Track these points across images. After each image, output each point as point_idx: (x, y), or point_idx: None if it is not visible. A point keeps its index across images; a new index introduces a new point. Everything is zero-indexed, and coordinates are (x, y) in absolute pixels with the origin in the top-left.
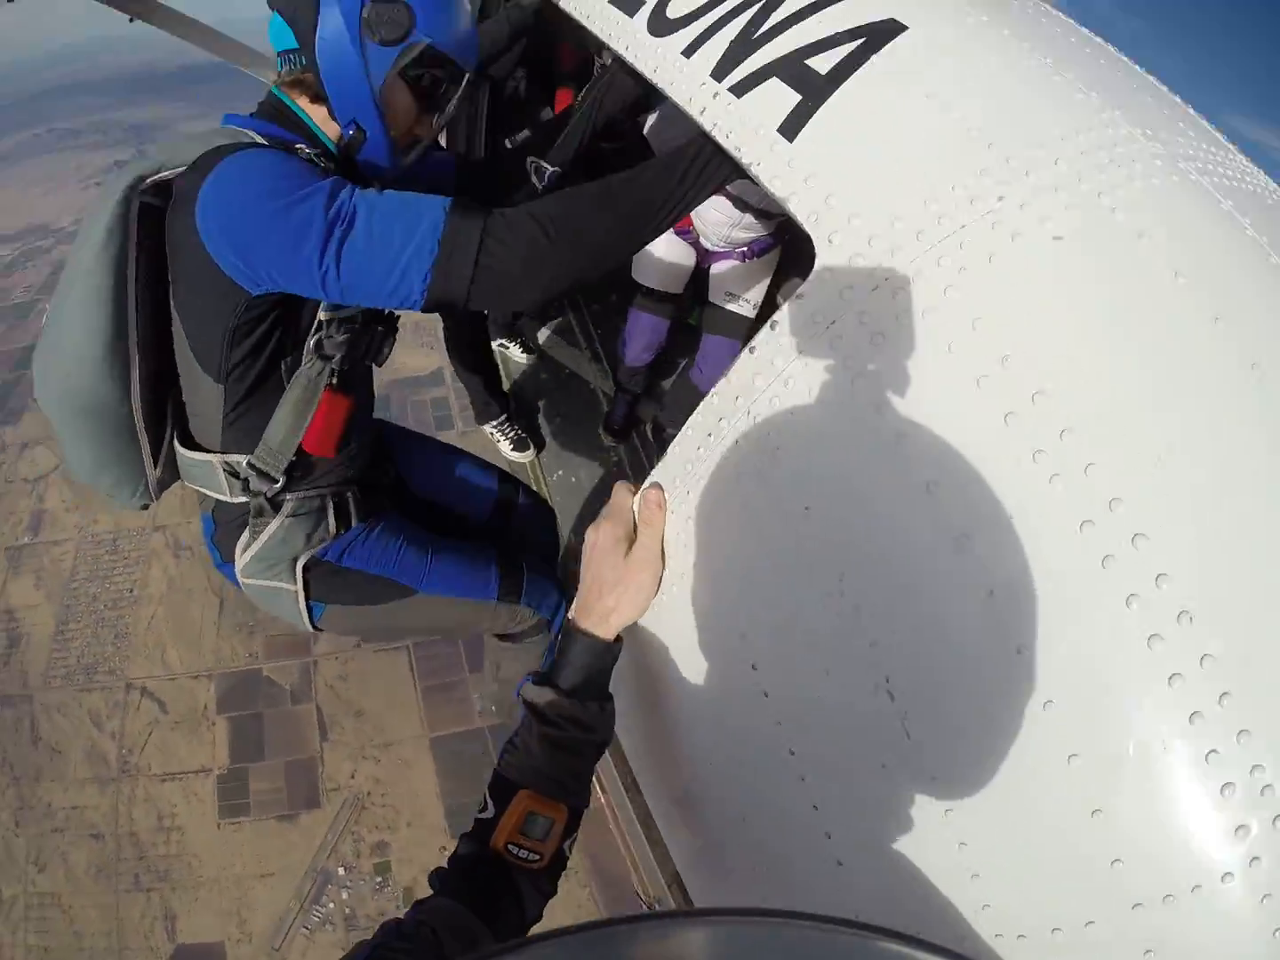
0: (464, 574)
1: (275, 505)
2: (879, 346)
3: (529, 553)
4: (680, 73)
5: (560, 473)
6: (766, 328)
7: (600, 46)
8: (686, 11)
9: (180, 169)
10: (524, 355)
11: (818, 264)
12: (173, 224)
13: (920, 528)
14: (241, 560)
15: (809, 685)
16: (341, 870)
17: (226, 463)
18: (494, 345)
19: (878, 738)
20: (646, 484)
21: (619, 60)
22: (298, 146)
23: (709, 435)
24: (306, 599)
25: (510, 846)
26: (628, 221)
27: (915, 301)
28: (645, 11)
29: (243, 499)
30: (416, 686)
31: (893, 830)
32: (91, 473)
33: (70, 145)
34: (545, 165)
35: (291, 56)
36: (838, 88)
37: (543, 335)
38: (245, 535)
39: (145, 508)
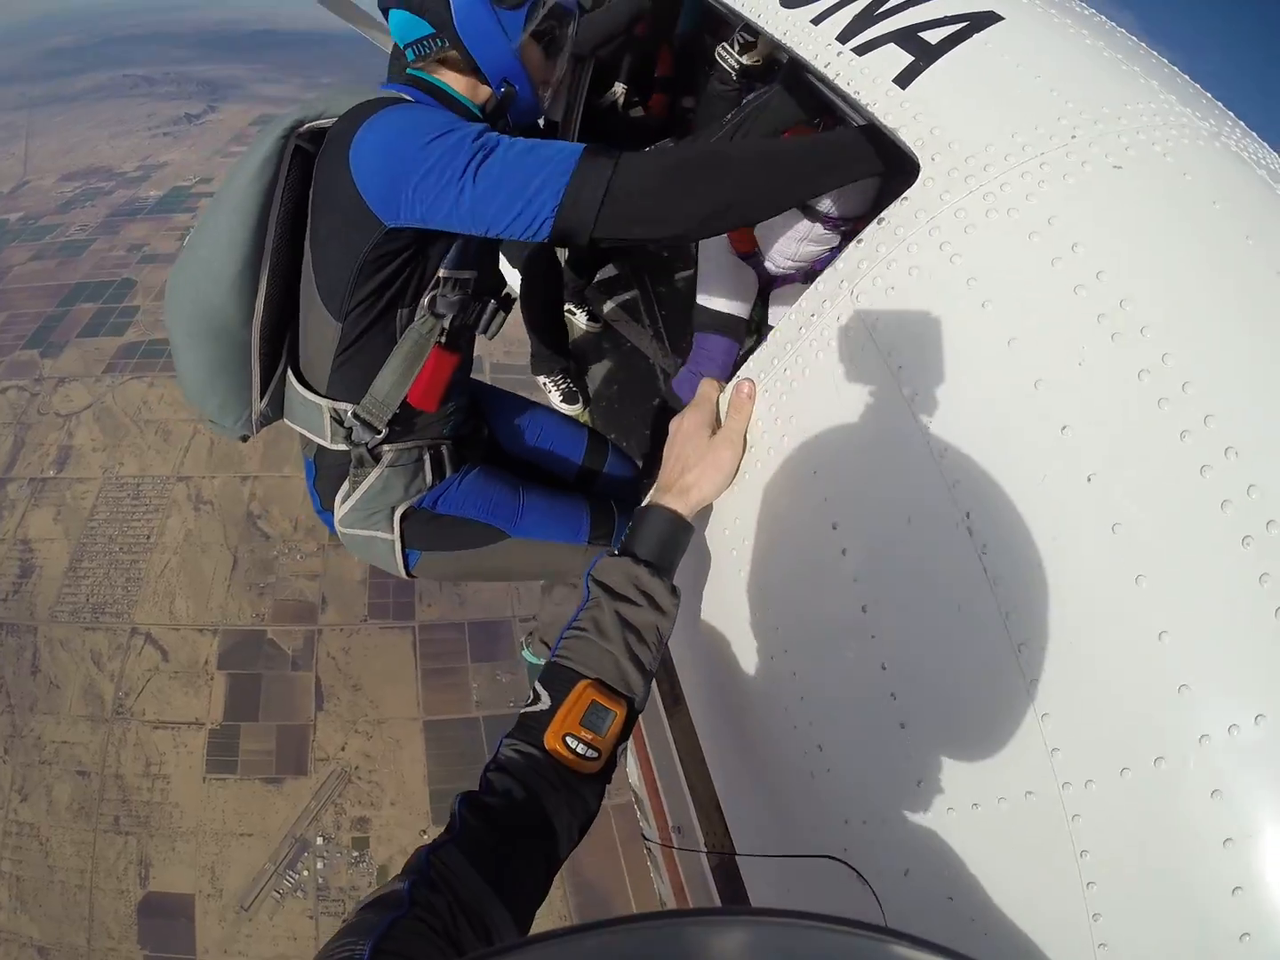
0: (556, 518)
1: (375, 456)
2: (972, 236)
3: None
4: (809, 36)
5: (612, 436)
6: (874, 223)
7: (707, 56)
8: None
9: (335, 119)
10: (588, 323)
11: (921, 175)
12: (322, 165)
13: (1004, 375)
14: (341, 510)
15: (889, 532)
16: (320, 840)
17: (334, 409)
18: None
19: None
20: (741, 371)
21: (783, 83)
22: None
23: (812, 316)
24: (402, 547)
25: (568, 739)
26: (765, 179)
27: (1002, 203)
28: None
29: (343, 447)
30: (417, 668)
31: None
32: (200, 393)
33: (143, 93)
34: None
35: (426, 42)
36: (945, 54)
37: (608, 307)
38: (345, 485)
39: (244, 439)
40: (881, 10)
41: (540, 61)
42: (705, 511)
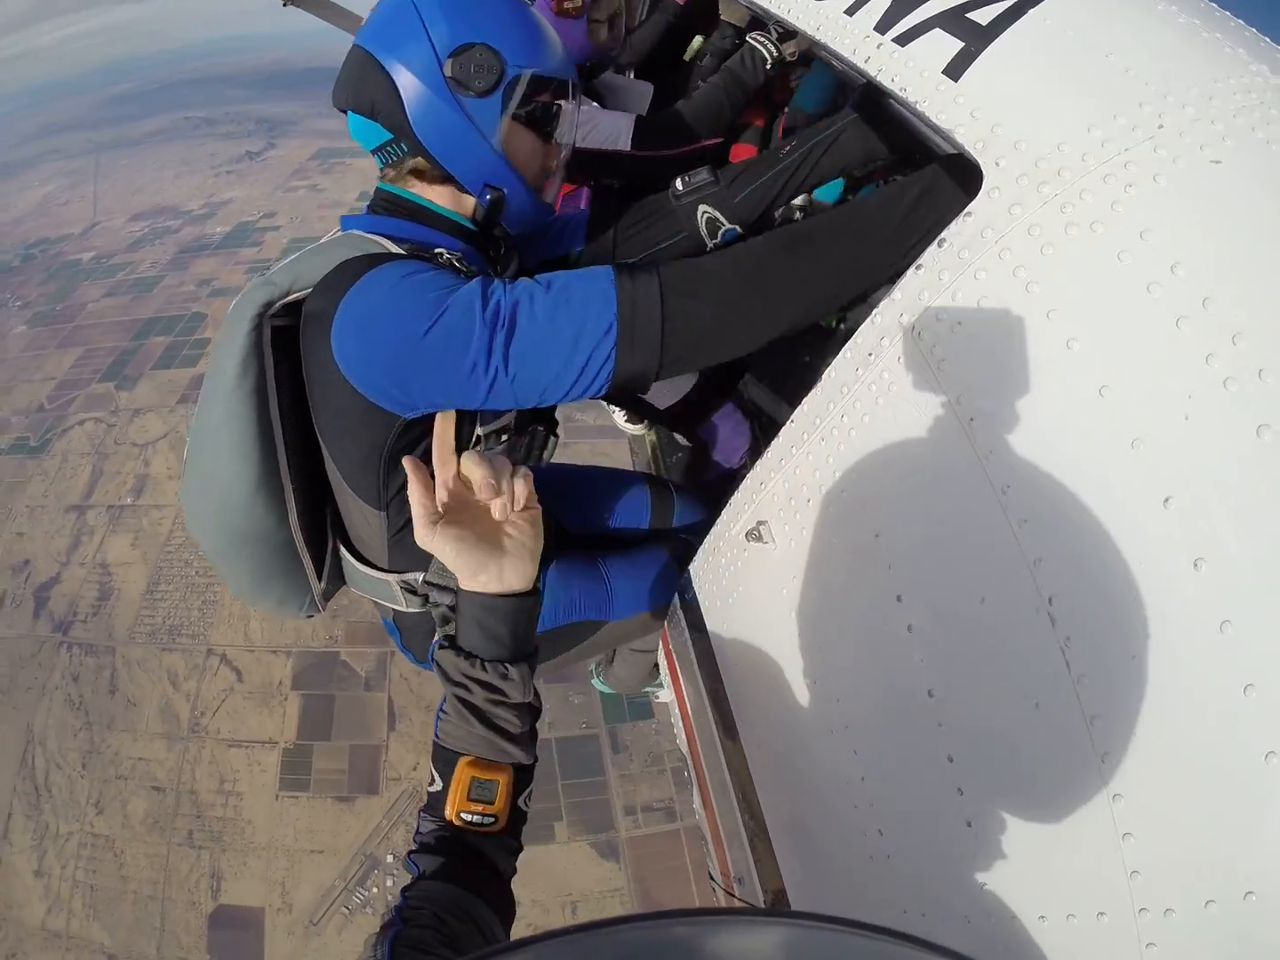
0: (645, 589)
1: (456, 609)
2: (1050, 258)
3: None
4: (843, 29)
5: (678, 456)
6: (934, 245)
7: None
8: None
9: (308, 290)
10: None
11: (985, 184)
12: (308, 349)
13: (1094, 429)
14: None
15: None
16: (390, 858)
17: (403, 580)
18: None
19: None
20: (795, 416)
21: (850, 116)
22: (437, 251)
23: (869, 355)
24: None
25: (462, 815)
26: (834, 266)
27: (1084, 215)
28: None
29: (421, 610)
30: None
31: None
32: (253, 595)
33: (205, 133)
34: (722, 220)
35: (390, 149)
36: (999, 35)
37: None
38: (435, 641)
39: (311, 616)
40: None
41: (533, 148)
42: (761, 563)
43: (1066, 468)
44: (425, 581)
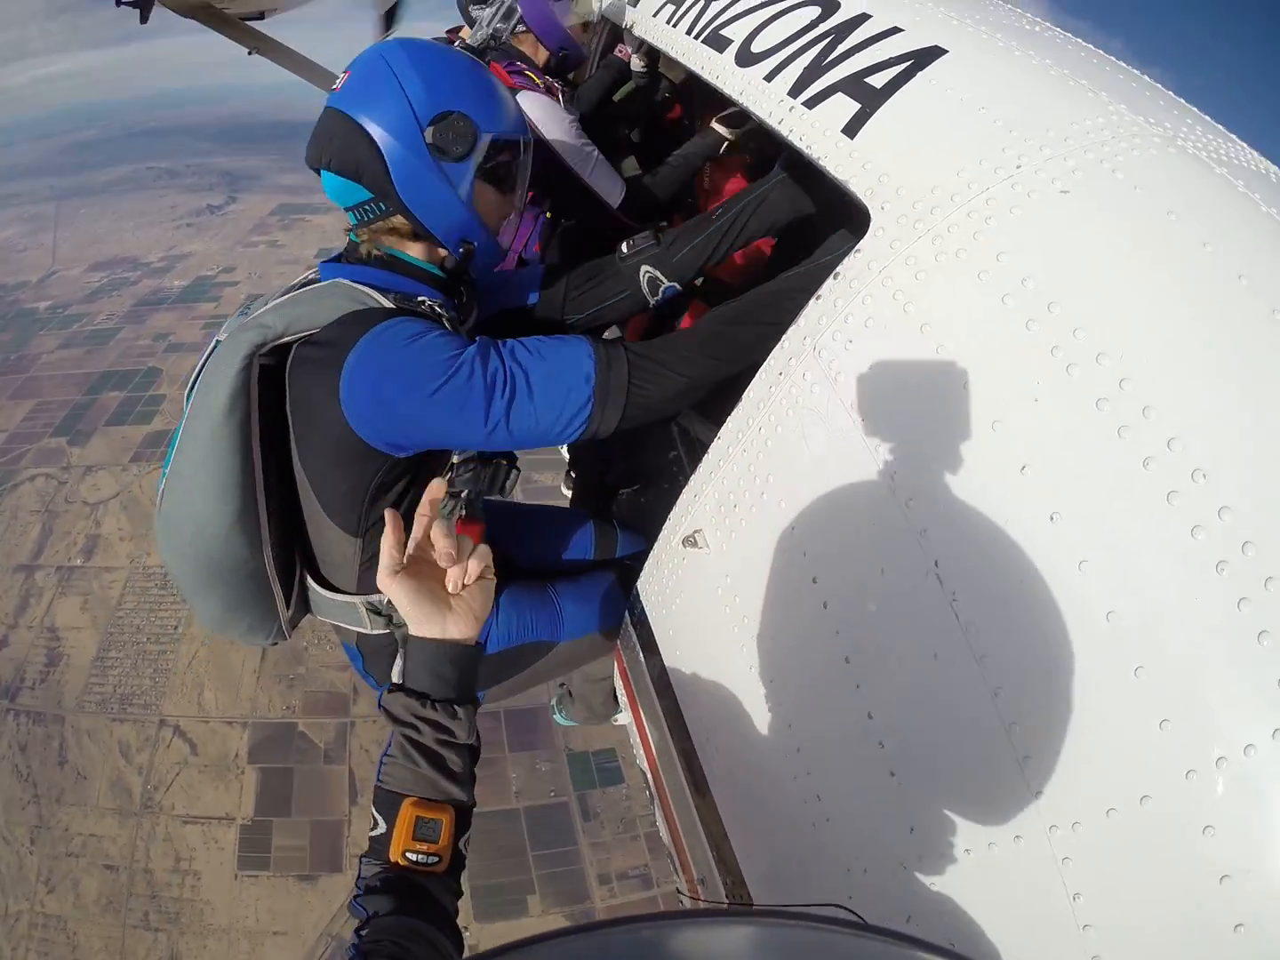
0: (593, 608)
1: None
2: (923, 281)
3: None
4: (762, 93)
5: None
6: (830, 278)
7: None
8: (767, 47)
9: (301, 334)
10: None
11: (872, 225)
12: (299, 389)
13: (980, 458)
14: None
15: (864, 581)
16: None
17: (369, 602)
18: None
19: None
20: (724, 429)
21: (778, 177)
22: (420, 300)
23: (780, 374)
24: None
25: (408, 854)
26: (745, 351)
27: (950, 244)
28: (733, 49)
29: (385, 630)
30: None
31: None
32: (222, 623)
33: (167, 184)
34: (662, 279)
35: (369, 206)
36: (890, 97)
37: None
38: (398, 663)
39: (275, 644)
40: (829, 60)
41: (495, 201)
42: (699, 568)
43: (941, 451)
44: (389, 602)
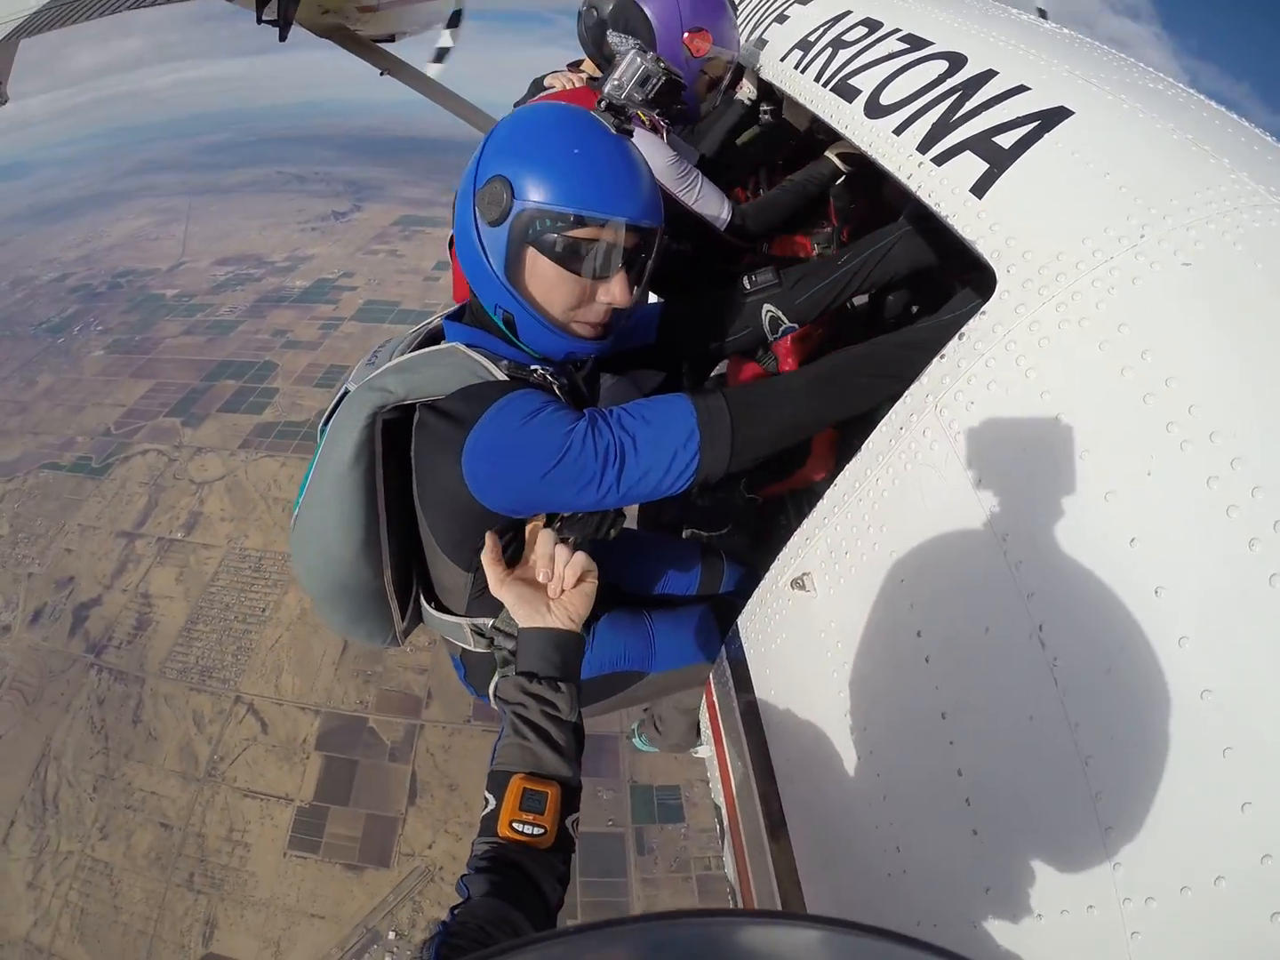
0: (687, 644)
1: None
2: (1045, 348)
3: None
4: (891, 147)
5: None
6: (955, 338)
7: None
8: (897, 100)
9: (422, 399)
10: None
11: (998, 288)
12: (424, 450)
13: (1075, 490)
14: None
15: (967, 641)
16: (392, 934)
17: (474, 624)
18: None
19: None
20: (841, 475)
21: (903, 229)
22: (533, 369)
23: (900, 429)
24: None
25: (514, 825)
26: (858, 398)
27: (1074, 313)
28: (862, 99)
29: (486, 650)
30: None
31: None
32: (345, 629)
33: (295, 189)
34: (783, 319)
35: None
36: (1018, 158)
37: None
38: (496, 678)
39: (390, 647)
40: (958, 116)
41: (559, 278)
42: (803, 611)
43: (1054, 518)
44: (494, 627)
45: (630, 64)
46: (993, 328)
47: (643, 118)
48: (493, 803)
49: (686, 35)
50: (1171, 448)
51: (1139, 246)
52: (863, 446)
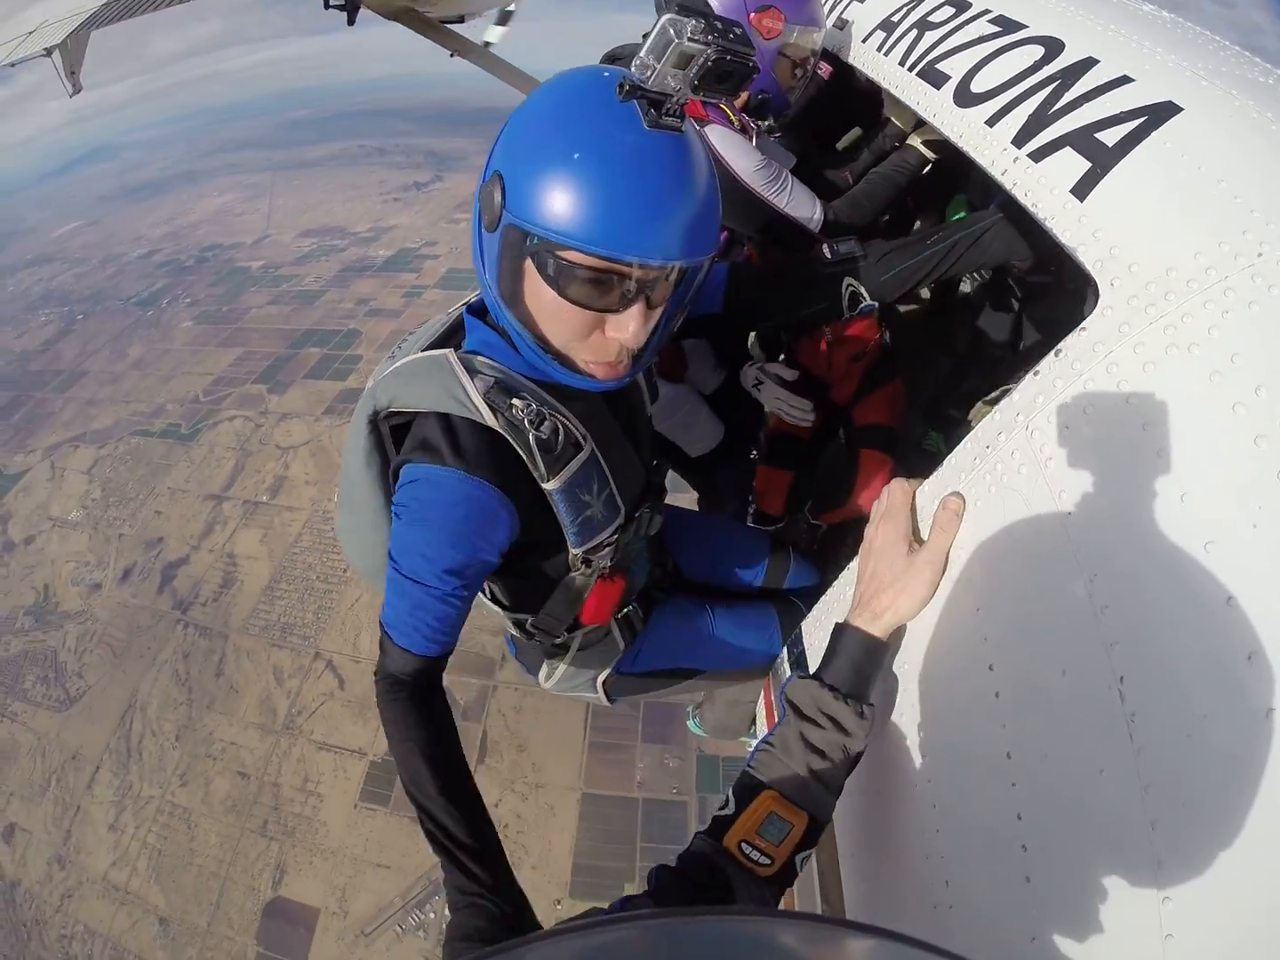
0: (745, 645)
1: (563, 647)
2: (1149, 373)
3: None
4: (984, 139)
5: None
6: (1051, 355)
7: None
8: (989, 87)
9: (410, 409)
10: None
11: (1100, 302)
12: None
13: (1171, 536)
14: (547, 684)
15: (1042, 682)
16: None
17: (515, 618)
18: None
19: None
20: (943, 489)
21: (995, 216)
22: (512, 404)
23: (987, 448)
24: (607, 698)
25: (743, 845)
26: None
27: (1183, 337)
28: (951, 86)
29: (529, 642)
30: (585, 739)
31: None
32: None
33: (375, 162)
34: (864, 295)
35: None
36: (1123, 158)
37: None
38: (544, 668)
39: None
40: (1056, 108)
41: (552, 306)
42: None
43: (1147, 564)
44: (532, 624)
45: (661, 37)
46: (1093, 346)
47: (730, 116)
48: (731, 808)
49: (754, 15)
50: None
51: (1256, 266)
52: (944, 461)
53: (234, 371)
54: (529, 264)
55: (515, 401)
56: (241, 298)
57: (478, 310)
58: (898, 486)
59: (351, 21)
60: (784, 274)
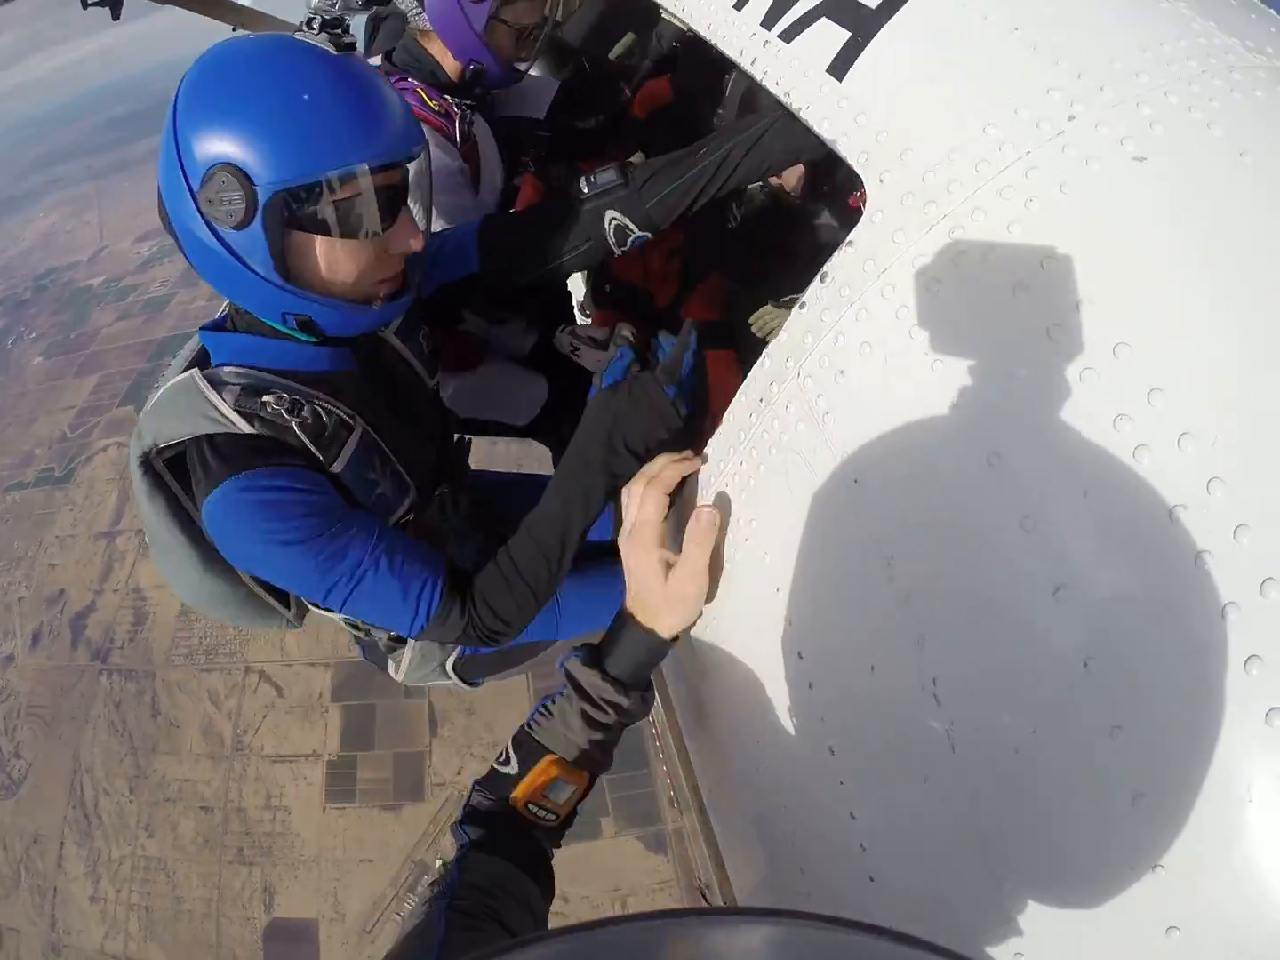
0: (598, 607)
1: (400, 638)
2: (935, 294)
3: None
4: (732, 26)
5: None
6: (816, 280)
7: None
8: None
9: (173, 440)
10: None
11: (868, 207)
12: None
13: (982, 505)
14: (399, 677)
15: (853, 679)
16: (439, 863)
17: (344, 619)
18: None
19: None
20: (725, 454)
21: (776, 113)
22: (264, 401)
23: (760, 401)
24: (464, 682)
25: (530, 806)
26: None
27: (974, 241)
28: None
29: (370, 637)
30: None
31: (929, 848)
32: (237, 622)
33: None
34: (632, 228)
35: None
36: (888, 19)
37: None
38: (390, 664)
39: (295, 628)
40: None
41: (335, 254)
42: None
43: (954, 540)
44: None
45: None
46: (863, 265)
47: (425, 98)
48: (514, 767)
49: None
50: (1124, 451)
51: (1066, 134)
52: (723, 419)
53: (96, 399)
54: (297, 234)
55: (266, 399)
56: (89, 320)
57: (211, 327)
58: (646, 498)
59: (116, 16)
60: (537, 218)
